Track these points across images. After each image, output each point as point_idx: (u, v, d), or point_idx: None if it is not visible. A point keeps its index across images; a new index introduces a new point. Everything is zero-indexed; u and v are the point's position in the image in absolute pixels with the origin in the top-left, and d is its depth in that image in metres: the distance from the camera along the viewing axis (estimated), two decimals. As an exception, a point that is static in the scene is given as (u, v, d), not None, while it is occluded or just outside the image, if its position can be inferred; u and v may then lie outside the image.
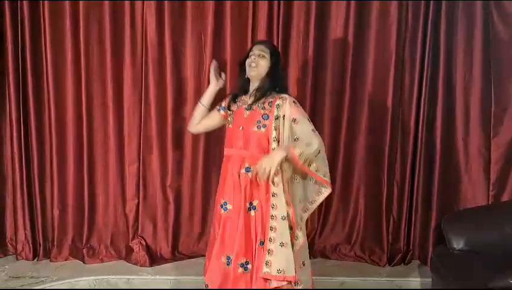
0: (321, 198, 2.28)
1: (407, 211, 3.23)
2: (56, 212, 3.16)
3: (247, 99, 2.27)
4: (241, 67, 2.32)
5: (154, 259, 3.18)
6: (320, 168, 2.19)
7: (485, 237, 2.65)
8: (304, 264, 2.24)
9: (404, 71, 3.15)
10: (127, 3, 3.04)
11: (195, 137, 3.17)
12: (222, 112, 2.38)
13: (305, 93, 3.12)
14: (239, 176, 2.20)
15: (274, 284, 2.09)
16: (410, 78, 3.15)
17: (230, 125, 2.28)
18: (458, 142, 3.13)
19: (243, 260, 2.16)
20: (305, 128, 2.14)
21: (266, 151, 2.16)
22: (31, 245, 3.19)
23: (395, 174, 3.22)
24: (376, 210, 3.25)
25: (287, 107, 2.15)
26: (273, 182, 2.10)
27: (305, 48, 3.12)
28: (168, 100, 3.12)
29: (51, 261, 3.17)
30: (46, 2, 2.98)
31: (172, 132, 3.16)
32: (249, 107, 2.23)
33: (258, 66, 2.23)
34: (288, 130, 2.14)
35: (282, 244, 2.08)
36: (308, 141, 2.10)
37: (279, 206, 2.11)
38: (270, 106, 2.18)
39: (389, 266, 3.21)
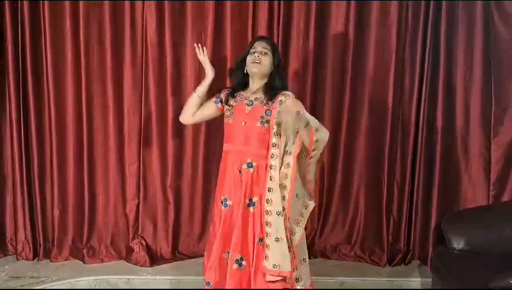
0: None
1: (407, 211, 3.23)
2: (56, 212, 3.16)
3: (248, 94, 2.28)
4: (240, 63, 2.32)
5: (154, 259, 3.18)
6: (316, 157, 2.20)
7: (485, 237, 2.65)
8: (304, 261, 2.25)
9: (404, 71, 3.15)
10: (127, 3, 3.04)
11: (196, 137, 3.17)
12: (219, 104, 2.36)
13: (305, 93, 3.11)
14: (240, 171, 2.20)
15: (270, 279, 2.10)
16: (410, 78, 3.15)
17: (230, 121, 2.27)
18: (458, 142, 3.13)
19: (238, 256, 2.17)
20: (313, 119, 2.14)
21: (267, 146, 2.17)
22: (31, 245, 3.19)
23: (395, 174, 3.22)
24: (376, 210, 3.25)
25: (290, 104, 2.17)
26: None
27: (305, 48, 3.12)
28: (168, 100, 3.12)
29: (51, 261, 3.17)
30: (46, 2, 2.98)
31: (172, 132, 3.16)
32: (251, 103, 2.23)
33: (261, 63, 2.24)
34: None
35: (277, 239, 2.10)
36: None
37: (275, 202, 2.11)
38: (273, 102, 2.20)
39: (389, 266, 3.21)
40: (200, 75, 3.07)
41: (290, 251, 2.12)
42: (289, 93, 2.22)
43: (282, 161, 2.14)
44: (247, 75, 2.31)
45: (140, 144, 3.14)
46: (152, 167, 3.18)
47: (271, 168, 2.14)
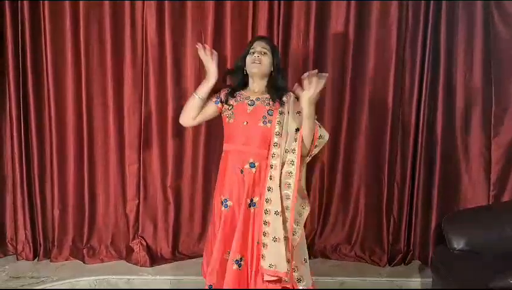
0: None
1: (407, 211, 3.23)
2: (56, 212, 3.16)
3: (248, 94, 2.28)
4: (240, 62, 2.32)
5: (154, 259, 3.18)
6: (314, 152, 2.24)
7: (485, 237, 2.65)
8: (305, 261, 2.25)
9: (404, 71, 3.15)
10: (127, 3, 3.04)
11: (196, 137, 3.17)
12: (219, 104, 2.34)
13: (305, 93, 3.11)
14: (241, 171, 2.20)
15: (267, 278, 2.10)
16: (410, 78, 3.14)
17: (231, 121, 2.26)
18: (458, 142, 3.13)
19: (238, 257, 2.16)
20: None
21: (268, 146, 2.17)
22: (31, 245, 3.19)
23: (395, 174, 3.22)
24: (376, 210, 3.25)
25: (291, 103, 2.18)
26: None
27: (305, 48, 3.12)
28: (168, 100, 3.12)
29: (51, 261, 3.17)
30: (46, 2, 2.98)
31: (172, 132, 3.16)
32: (252, 103, 2.24)
33: (261, 62, 2.24)
34: (292, 125, 2.16)
35: (275, 239, 2.09)
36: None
37: (274, 201, 2.11)
38: (275, 102, 2.22)
39: (389, 266, 3.21)
40: (200, 75, 3.08)
41: (287, 251, 2.11)
42: (290, 93, 2.23)
43: (283, 160, 2.14)
44: (246, 75, 2.31)
45: (141, 144, 3.14)
46: (152, 167, 3.18)
47: (271, 167, 2.14)
